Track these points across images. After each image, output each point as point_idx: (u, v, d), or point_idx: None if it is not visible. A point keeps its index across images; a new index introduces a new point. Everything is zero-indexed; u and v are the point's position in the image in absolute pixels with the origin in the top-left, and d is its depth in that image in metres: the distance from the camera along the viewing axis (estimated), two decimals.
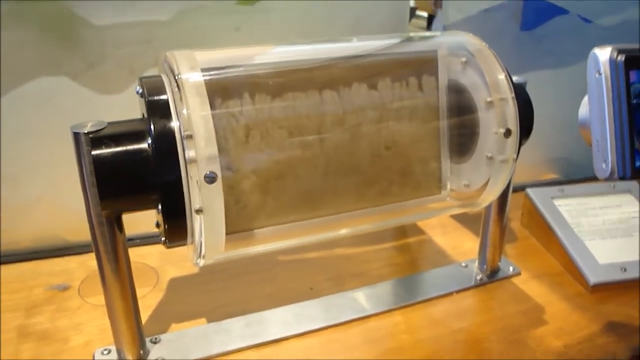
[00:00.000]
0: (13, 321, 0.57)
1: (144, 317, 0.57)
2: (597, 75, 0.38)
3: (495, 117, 0.49)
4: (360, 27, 0.71)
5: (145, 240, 0.69)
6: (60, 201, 0.67)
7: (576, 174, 0.88)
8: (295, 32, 0.68)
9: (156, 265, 0.66)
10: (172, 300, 0.60)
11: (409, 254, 0.69)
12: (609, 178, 0.39)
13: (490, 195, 0.52)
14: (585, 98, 0.43)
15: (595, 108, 0.38)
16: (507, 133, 0.49)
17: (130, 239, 0.63)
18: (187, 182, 0.41)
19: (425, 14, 1.41)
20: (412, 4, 0.78)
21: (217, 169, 0.40)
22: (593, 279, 0.60)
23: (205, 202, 0.40)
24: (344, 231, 0.51)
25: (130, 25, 0.62)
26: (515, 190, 0.65)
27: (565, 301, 0.60)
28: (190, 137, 0.40)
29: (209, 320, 0.57)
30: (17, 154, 0.64)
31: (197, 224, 0.42)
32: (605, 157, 0.38)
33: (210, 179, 0.39)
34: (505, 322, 0.57)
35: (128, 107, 0.62)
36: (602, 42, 0.80)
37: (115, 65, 0.63)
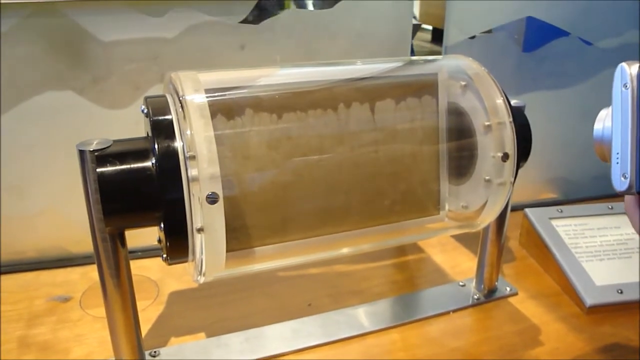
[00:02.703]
0: (14, 332, 0.58)
1: (144, 330, 0.58)
2: (623, 89, 0.39)
3: (493, 141, 0.50)
4: (363, 44, 0.72)
5: (147, 252, 0.70)
6: (64, 213, 0.68)
7: (575, 194, 0.89)
8: (299, 50, 0.69)
9: (157, 278, 0.67)
10: (172, 313, 0.61)
11: (407, 271, 0.70)
12: (627, 191, 0.40)
13: (488, 217, 0.53)
14: (601, 113, 0.44)
15: (619, 121, 0.39)
16: (505, 157, 0.49)
17: (131, 252, 0.64)
18: (190, 201, 0.42)
19: (430, 27, 1.42)
20: (415, 21, 0.79)
21: (218, 189, 0.41)
22: (589, 300, 0.61)
23: (206, 221, 0.41)
24: (343, 250, 0.52)
25: (136, 41, 0.63)
26: (514, 209, 0.66)
27: (561, 322, 0.60)
28: (193, 157, 0.41)
29: (208, 335, 0.57)
30: (22, 166, 0.65)
31: (198, 242, 0.43)
32: (625, 171, 0.39)
33: (212, 199, 0.40)
34: (502, 342, 0.57)
35: (133, 122, 0.64)
36: (602, 64, 0.82)
37: (121, 80, 0.64)
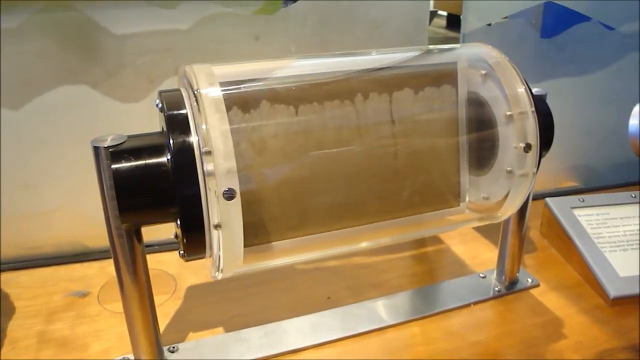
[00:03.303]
0: (33, 327, 0.58)
1: (162, 325, 0.57)
2: None
3: (515, 131, 0.49)
4: (379, 32, 0.70)
5: (164, 246, 0.70)
6: (80, 208, 0.68)
7: (596, 182, 0.87)
8: (314, 40, 0.68)
9: (174, 273, 0.67)
10: (189, 308, 0.61)
11: (427, 263, 0.69)
12: None
13: (510, 209, 0.52)
14: (635, 109, 0.43)
15: None
16: (527, 148, 0.48)
17: (148, 245, 0.64)
18: (206, 197, 0.41)
19: (444, 13, 1.40)
20: (431, 5, 0.77)
21: (235, 185, 0.40)
22: (613, 292, 0.59)
23: (223, 217, 0.40)
24: (362, 244, 0.51)
25: (149, 34, 0.62)
26: (535, 198, 0.64)
27: (584, 314, 0.59)
28: (209, 153, 0.40)
29: (227, 329, 0.57)
30: (38, 161, 0.65)
31: (215, 238, 0.42)
32: None
33: (229, 195, 0.40)
34: (523, 335, 0.56)
35: (147, 116, 0.64)
36: (624, 50, 0.80)
37: (134, 73, 0.64)
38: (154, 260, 0.65)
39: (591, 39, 0.78)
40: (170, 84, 0.65)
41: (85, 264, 0.69)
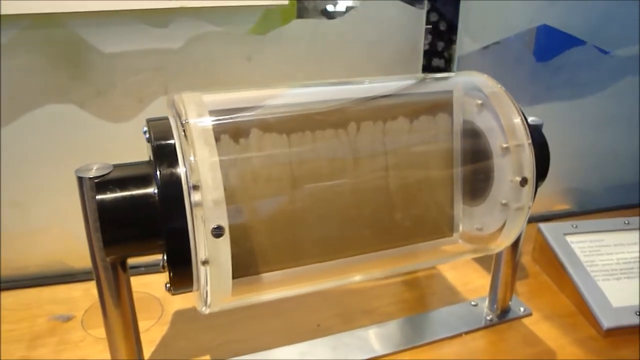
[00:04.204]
0: (16, 352, 0.56)
1: (148, 352, 0.56)
2: None
3: (511, 164, 0.48)
4: (374, 54, 0.70)
5: (150, 268, 0.69)
6: (66, 228, 0.67)
7: (590, 205, 0.87)
8: (308, 60, 0.67)
9: (161, 296, 0.65)
10: (176, 334, 0.59)
11: (418, 289, 0.68)
12: None
13: (504, 242, 0.51)
14: None
15: None
16: (524, 182, 0.47)
17: (134, 267, 0.62)
18: (194, 232, 0.40)
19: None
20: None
21: (224, 222, 0.39)
22: (607, 323, 0.59)
23: (211, 254, 0.39)
24: (355, 278, 0.50)
25: (140, 53, 0.61)
26: (528, 222, 0.63)
27: (577, 345, 0.58)
28: (197, 187, 0.39)
29: (214, 357, 0.56)
30: (23, 180, 0.64)
31: (202, 273, 0.41)
32: None
33: (218, 233, 0.38)
34: None
35: (136, 136, 0.62)
36: (620, 73, 0.79)
37: (124, 93, 0.63)
38: (139, 283, 0.64)
39: (586, 63, 0.77)
40: (160, 103, 0.63)
41: (70, 285, 0.67)
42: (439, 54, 0.70)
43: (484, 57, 0.72)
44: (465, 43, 0.71)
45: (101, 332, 0.57)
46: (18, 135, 0.61)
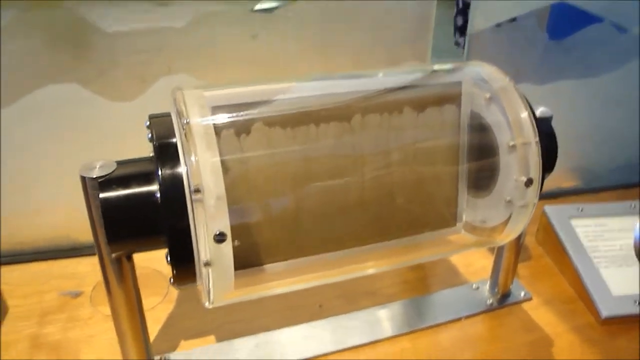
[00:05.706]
0: (26, 329, 0.58)
1: (154, 331, 0.58)
2: None
3: (517, 163, 0.47)
4: (380, 36, 0.68)
5: None
6: (72, 203, 0.67)
7: (596, 183, 0.86)
8: (313, 40, 0.65)
9: (167, 271, 0.66)
10: (181, 314, 0.61)
11: (421, 271, 0.68)
12: None
13: (508, 236, 0.51)
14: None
15: None
16: (529, 182, 0.47)
17: None
18: (195, 232, 0.40)
19: None
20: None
21: (226, 227, 0.39)
22: (605, 312, 0.59)
23: (213, 257, 0.40)
24: (359, 273, 0.50)
25: (142, 32, 0.60)
26: None
27: (574, 332, 0.59)
28: (198, 191, 0.39)
29: (218, 338, 0.57)
30: (30, 157, 0.64)
31: (205, 273, 0.41)
32: None
33: (220, 239, 0.39)
34: (513, 353, 0.56)
35: (139, 116, 0.61)
36: (633, 54, 0.77)
37: (126, 72, 0.62)
38: (145, 258, 0.64)
39: (600, 41, 0.75)
40: (163, 83, 0.62)
41: (77, 259, 0.68)
42: (460, 29, 0.68)
43: (497, 34, 0.70)
44: (477, 21, 0.69)
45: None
46: (22, 115, 0.61)
